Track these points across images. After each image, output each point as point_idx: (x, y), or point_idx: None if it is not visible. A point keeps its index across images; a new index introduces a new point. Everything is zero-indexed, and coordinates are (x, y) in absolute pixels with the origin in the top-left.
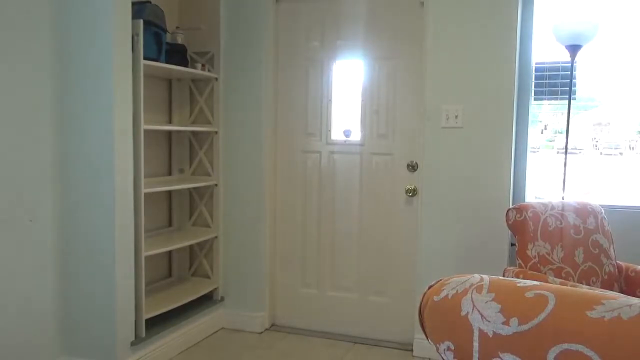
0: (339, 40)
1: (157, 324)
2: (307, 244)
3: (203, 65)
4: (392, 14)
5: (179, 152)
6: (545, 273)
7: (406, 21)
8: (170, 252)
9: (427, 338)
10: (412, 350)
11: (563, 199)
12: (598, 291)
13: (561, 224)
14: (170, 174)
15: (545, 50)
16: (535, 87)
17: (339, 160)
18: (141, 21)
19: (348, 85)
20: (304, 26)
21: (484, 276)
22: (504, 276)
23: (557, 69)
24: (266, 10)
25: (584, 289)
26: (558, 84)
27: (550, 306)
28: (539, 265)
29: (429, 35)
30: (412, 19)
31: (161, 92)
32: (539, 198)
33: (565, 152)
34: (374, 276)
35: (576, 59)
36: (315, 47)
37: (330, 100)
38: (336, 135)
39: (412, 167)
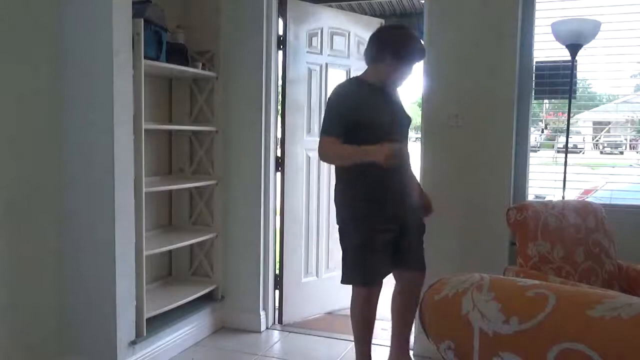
0: (343, 44)
1: (157, 323)
2: (310, 242)
3: (203, 65)
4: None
5: (180, 152)
6: (545, 272)
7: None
8: (170, 251)
9: (427, 337)
10: (412, 349)
11: (563, 198)
12: (598, 290)
13: (561, 223)
14: (170, 173)
15: (545, 49)
16: (535, 86)
17: None
18: (142, 20)
19: None
20: (306, 29)
21: (484, 275)
22: (504, 275)
23: (557, 68)
24: (267, 9)
25: (585, 288)
26: (558, 83)
27: (550, 305)
28: (539, 264)
29: (429, 35)
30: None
31: (162, 91)
32: (540, 197)
33: (566, 151)
34: None
35: (577, 58)
36: (316, 50)
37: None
38: None
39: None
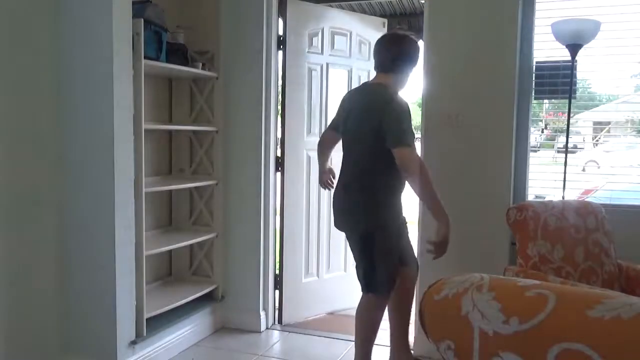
0: (344, 43)
1: (157, 323)
2: (311, 243)
3: (203, 65)
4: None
5: (180, 152)
6: (545, 272)
7: None
8: (170, 251)
9: (427, 337)
10: (412, 350)
11: (563, 198)
12: (598, 290)
13: (561, 223)
14: (170, 173)
15: (545, 49)
16: (535, 86)
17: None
18: (142, 20)
19: (351, 86)
20: (306, 29)
21: (484, 275)
22: (504, 275)
23: (557, 68)
24: (267, 9)
25: (584, 288)
26: (558, 82)
27: (550, 305)
28: (539, 264)
29: (429, 35)
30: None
31: (162, 91)
32: (540, 197)
33: (566, 151)
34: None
35: (576, 58)
36: (317, 50)
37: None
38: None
39: None
